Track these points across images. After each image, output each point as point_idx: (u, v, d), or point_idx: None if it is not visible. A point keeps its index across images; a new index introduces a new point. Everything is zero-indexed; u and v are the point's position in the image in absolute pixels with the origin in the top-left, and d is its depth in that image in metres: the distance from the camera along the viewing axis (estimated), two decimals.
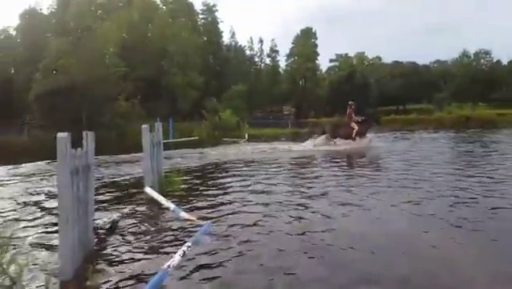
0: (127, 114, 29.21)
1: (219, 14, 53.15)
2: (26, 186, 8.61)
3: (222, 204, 6.07)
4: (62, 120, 25.23)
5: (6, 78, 40.21)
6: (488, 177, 7.59)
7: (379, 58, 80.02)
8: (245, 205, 5.91)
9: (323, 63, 75.52)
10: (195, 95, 39.90)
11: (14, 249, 3.97)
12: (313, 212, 5.44)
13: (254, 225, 4.85)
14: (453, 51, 77.50)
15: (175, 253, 3.64)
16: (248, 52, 59.04)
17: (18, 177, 10.23)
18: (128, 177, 9.34)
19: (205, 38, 50.45)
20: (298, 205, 5.85)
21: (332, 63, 77.27)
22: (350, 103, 16.27)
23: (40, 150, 17.26)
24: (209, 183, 8.27)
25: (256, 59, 60.10)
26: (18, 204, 6.71)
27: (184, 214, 5.17)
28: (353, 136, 15.49)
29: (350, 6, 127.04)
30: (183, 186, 7.48)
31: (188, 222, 4.96)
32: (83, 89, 27.15)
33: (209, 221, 4.85)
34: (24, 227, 5.15)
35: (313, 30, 63.27)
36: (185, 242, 3.89)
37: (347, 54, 75.52)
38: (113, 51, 35.01)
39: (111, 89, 29.41)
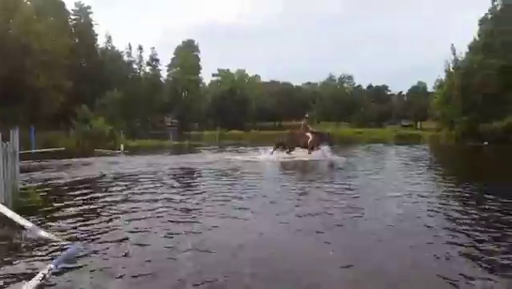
0: None
1: (94, 17, 49.55)
2: None
3: (91, 223, 5.58)
4: None
5: None
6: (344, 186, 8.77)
7: (258, 76, 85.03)
8: (115, 227, 5.40)
9: (207, 76, 76.90)
10: (62, 100, 35.98)
11: None
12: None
13: (125, 245, 4.53)
14: (322, 75, 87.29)
15: (32, 277, 3.27)
16: (126, 58, 56.01)
17: None
18: None
19: (77, 40, 46.34)
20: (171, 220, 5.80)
21: (215, 78, 79.21)
22: (306, 116, 18.96)
23: None
24: (75, 199, 7.48)
25: (135, 66, 57.39)
26: None
27: (43, 233, 4.64)
28: (308, 144, 16.51)
29: (234, 25, 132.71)
30: (43, 203, 6.64)
31: (50, 243, 4.46)
32: None
33: (76, 243, 4.44)
34: None
35: (195, 43, 63.94)
36: (47, 265, 3.49)
37: (228, 70, 78.21)
38: None
39: None
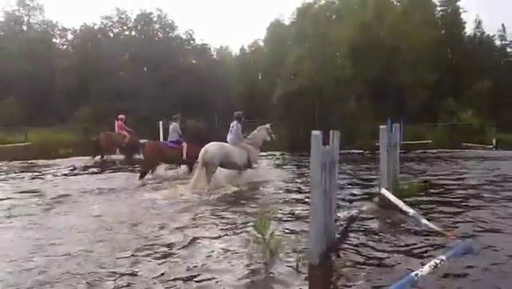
0: (355, 115, 29.77)
1: (462, 3, 46.87)
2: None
3: (478, 220, 5.24)
4: (297, 119, 28.21)
5: (254, 83, 47.78)
6: None
7: None
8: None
9: None
10: (426, 94, 36.55)
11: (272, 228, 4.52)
12: None
13: None
14: None
15: (423, 262, 3.40)
16: (498, 43, 49.36)
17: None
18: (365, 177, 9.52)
19: (443, 32, 45.48)
20: None
21: None
22: None
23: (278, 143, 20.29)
24: (453, 194, 7.28)
25: (509, 50, 49.61)
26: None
27: (427, 223, 4.74)
28: None
29: None
30: (420, 193, 6.86)
31: (433, 233, 4.52)
32: (316, 91, 29.41)
33: (469, 239, 4.29)
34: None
35: None
36: (438, 255, 3.55)
37: None
38: (344, 54, 36.12)
39: (340, 91, 30.67)
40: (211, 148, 8.24)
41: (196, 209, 6.26)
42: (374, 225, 5.13)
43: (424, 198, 6.74)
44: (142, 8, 38.90)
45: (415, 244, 4.26)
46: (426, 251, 4.01)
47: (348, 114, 30.05)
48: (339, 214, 4.98)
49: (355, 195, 7.20)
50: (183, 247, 4.31)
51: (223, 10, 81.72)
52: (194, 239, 4.60)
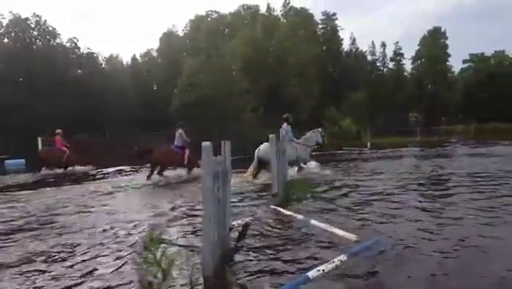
0: (251, 125, 30.85)
1: (339, 22, 52.85)
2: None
3: (362, 217, 5.64)
4: (196, 130, 28.01)
5: (150, 94, 46.19)
6: None
7: None
8: (394, 222, 5.26)
9: (456, 64, 67.74)
10: (312, 105, 39.85)
11: (164, 245, 4.34)
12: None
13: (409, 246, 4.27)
14: None
15: (315, 262, 3.61)
16: (369, 57, 56.93)
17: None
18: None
19: (324, 48, 50.43)
20: None
21: (466, 64, 68.94)
22: None
23: None
24: (346, 192, 7.85)
25: (378, 64, 57.54)
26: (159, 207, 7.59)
27: (314, 223, 5.09)
28: None
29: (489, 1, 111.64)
30: (311, 194, 7.28)
31: (326, 233, 4.74)
32: (213, 102, 29.76)
33: (375, 237, 4.39)
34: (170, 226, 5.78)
35: (442, 30, 57.89)
36: (339, 255, 3.73)
37: (483, 54, 66.34)
38: (238, 67, 37.45)
39: (237, 102, 31.57)
40: (263, 146, 9.97)
41: None
42: (268, 231, 5.26)
43: (313, 199, 7.12)
44: (16, 12, 34.52)
45: (308, 247, 4.41)
46: (320, 252, 4.14)
47: (244, 124, 30.94)
48: (233, 222, 5.04)
49: (249, 201, 7.38)
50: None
51: (111, 18, 77.71)
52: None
